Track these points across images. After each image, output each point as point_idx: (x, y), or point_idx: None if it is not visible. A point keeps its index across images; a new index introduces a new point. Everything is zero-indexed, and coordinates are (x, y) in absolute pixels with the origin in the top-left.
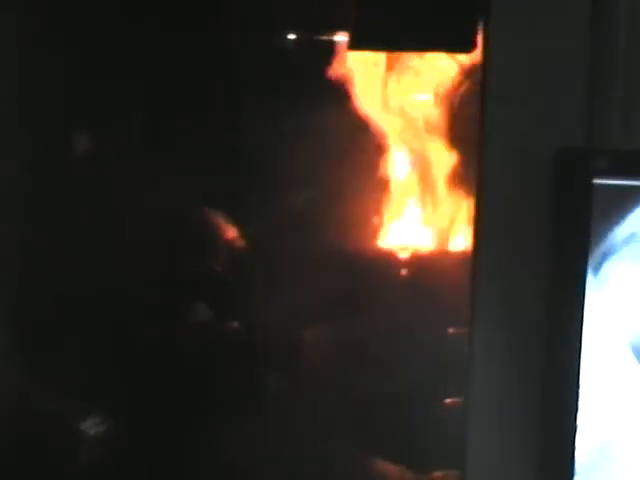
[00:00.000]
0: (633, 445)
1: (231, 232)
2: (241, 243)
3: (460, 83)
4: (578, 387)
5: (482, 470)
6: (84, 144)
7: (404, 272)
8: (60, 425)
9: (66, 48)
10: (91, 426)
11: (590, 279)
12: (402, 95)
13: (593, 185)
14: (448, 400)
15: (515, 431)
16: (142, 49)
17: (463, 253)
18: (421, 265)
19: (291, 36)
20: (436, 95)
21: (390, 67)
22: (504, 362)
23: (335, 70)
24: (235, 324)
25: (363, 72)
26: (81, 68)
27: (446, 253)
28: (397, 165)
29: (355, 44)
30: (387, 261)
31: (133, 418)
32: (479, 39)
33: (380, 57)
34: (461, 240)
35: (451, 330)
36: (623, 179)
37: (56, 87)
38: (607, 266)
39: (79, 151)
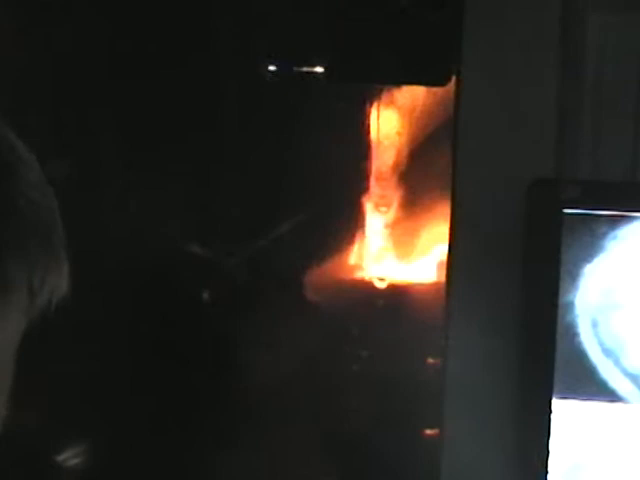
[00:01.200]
0: (603, 467)
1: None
2: (220, 267)
3: (433, 116)
4: (550, 412)
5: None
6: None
7: (380, 302)
8: (37, 456)
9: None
10: (69, 458)
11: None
12: (378, 128)
13: (564, 215)
14: (424, 430)
15: (490, 458)
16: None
17: (438, 284)
18: (397, 295)
19: (270, 67)
20: (409, 127)
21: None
22: (478, 391)
23: (314, 102)
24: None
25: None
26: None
27: (422, 284)
28: (372, 196)
29: (332, 76)
30: (363, 292)
31: (112, 449)
32: (452, 72)
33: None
34: (435, 271)
35: (428, 360)
36: (594, 209)
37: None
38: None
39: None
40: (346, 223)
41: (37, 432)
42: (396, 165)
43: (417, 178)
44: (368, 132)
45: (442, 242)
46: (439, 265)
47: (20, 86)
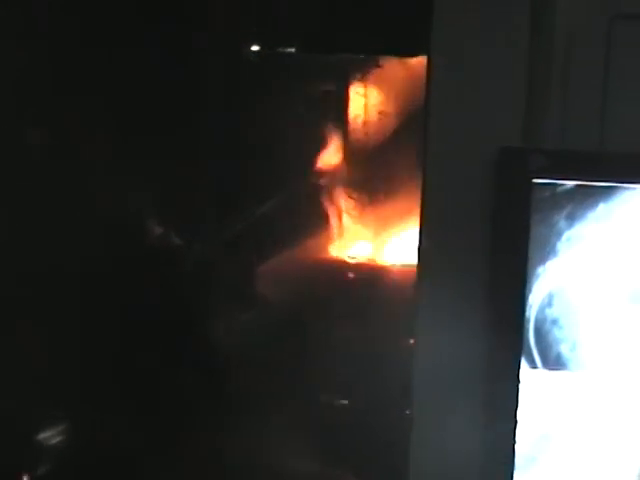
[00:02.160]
0: (571, 439)
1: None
2: (196, 251)
3: (403, 91)
4: (518, 383)
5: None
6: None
7: (351, 279)
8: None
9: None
10: (51, 436)
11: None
12: (347, 106)
13: (532, 184)
14: (394, 411)
15: (458, 428)
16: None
17: (408, 260)
18: (368, 270)
19: (254, 48)
20: (379, 102)
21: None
22: (447, 366)
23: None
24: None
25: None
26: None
27: (392, 262)
28: (343, 169)
29: (307, 49)
30: (333, 272)
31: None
32: (423, 43)
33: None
34: (405, 245)
35: (398, 340)
36: (561, 178)
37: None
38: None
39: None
40: (316, 201)
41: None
42: (367, 140)
43: (388, 154)
44: (341, 110)
45: (413, 217)
46: (409, 238)
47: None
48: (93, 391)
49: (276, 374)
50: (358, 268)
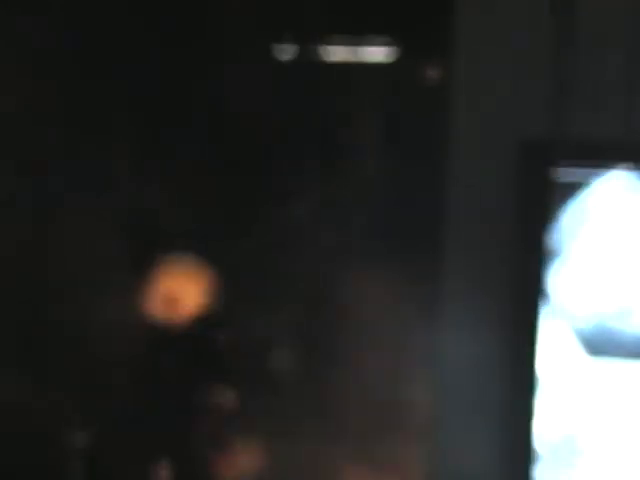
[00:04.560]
0: (593, 437)
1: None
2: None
3: (427, 83)
4: (534, 389)
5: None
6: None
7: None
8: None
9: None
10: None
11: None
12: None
13: (553, 174)
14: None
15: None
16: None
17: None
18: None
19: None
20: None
21: None
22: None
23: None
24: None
25: None
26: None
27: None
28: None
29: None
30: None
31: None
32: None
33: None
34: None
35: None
36: (583, 168)
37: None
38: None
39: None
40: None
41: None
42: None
43: (410, 143)
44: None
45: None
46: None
47: None
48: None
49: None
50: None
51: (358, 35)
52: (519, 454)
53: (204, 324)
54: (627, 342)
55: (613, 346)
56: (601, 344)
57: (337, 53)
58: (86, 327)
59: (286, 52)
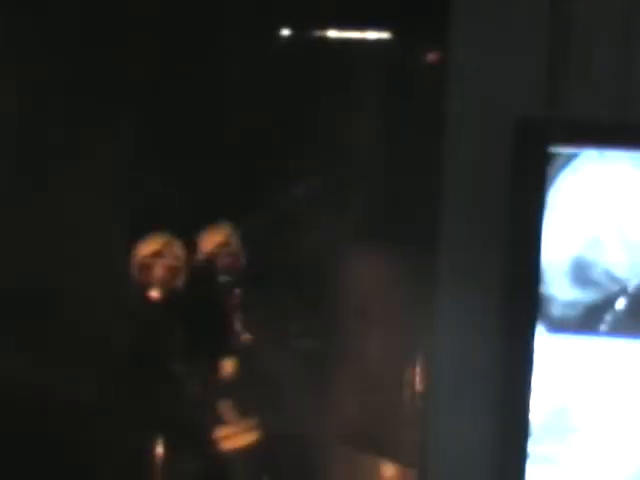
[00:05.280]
0: (588, 413)
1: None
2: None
3: (424, 59)
4: (532, 350)
5: (444, 437)
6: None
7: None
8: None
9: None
10: None
11: None
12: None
13: (549, 153)
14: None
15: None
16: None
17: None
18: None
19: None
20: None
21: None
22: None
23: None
24: None
25: None
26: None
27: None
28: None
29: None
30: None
31: None
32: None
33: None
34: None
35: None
36: (578, 147)
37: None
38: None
39: None
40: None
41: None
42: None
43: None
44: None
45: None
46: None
47: None
48: None
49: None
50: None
51: (357, 19)
52: (514, 430)
53: (202, 295)
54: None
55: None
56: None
57: (337, 36)
58: (86, 296)
59: (287, 35)
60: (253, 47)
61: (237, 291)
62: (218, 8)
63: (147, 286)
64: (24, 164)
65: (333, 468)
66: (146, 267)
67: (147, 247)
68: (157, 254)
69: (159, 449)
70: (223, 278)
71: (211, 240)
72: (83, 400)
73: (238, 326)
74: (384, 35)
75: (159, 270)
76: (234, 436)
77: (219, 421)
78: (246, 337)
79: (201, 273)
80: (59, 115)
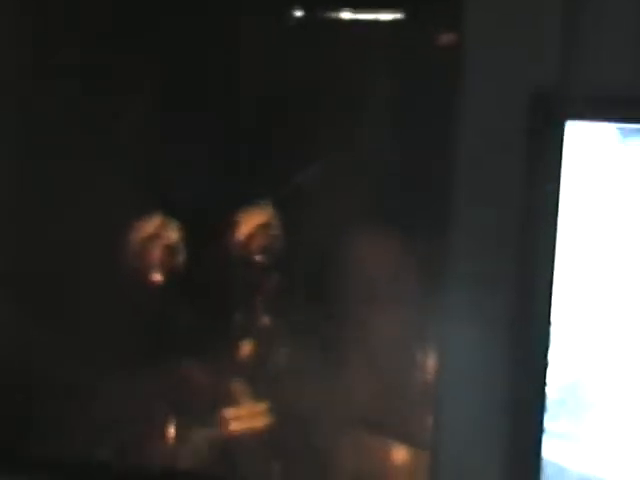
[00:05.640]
0: (603, 388)
1: None
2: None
3: (440, 39)
4: (549, 325)
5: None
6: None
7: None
8: None
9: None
10: None
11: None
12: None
13: (566, 127)
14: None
15: (488, 368)
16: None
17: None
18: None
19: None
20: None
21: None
22: (475, 305)
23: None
24: None
25: None
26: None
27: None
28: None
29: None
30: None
31: None
32: None
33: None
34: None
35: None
36: (595, 121)
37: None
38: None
39: None
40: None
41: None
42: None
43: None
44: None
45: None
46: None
47: None
48: None
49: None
50: None
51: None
52: (530, 405)
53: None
54: None
55: None
56: None
57: (351, 16)
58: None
59: (300, 15)
60: (266, 28)
61: (269, 273)
62: None
63: (146, 268)
64: (30, 149)
65: (344, 452)
66: (144, 249)
67: (142, 229)
68: (154, 236)
69: (171, 429)
70: (258, 259)
71: (250, 222)
72: (96, 382)
73: (259, 309)
74: (397, 15)
75: (157, 251)
76: (246, 418)
77: (232, 402)
78: (265, 320)
79: (235, 255)
80: (68, 96)
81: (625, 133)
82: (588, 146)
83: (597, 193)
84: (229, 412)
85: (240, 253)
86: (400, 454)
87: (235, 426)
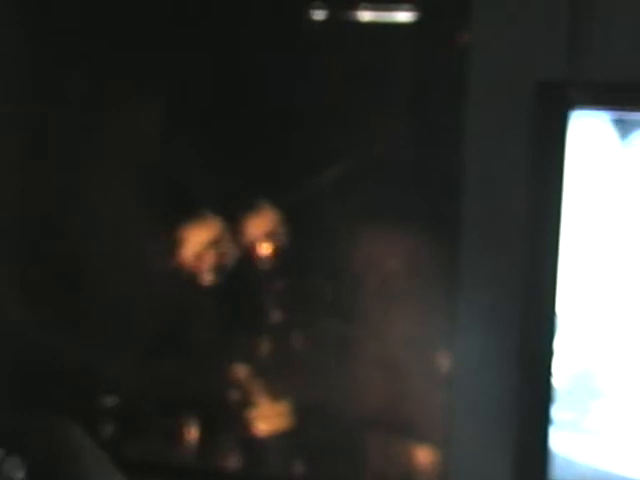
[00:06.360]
0: (612, 378)
1: None
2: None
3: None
4: (554, 312)
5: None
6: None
7: None
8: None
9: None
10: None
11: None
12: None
13: (570, 116)
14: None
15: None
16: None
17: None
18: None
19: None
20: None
21: None
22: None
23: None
24: None
25: None
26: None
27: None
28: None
29: None
30: None
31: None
32: None
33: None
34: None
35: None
36: (600, 110)
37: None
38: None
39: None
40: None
41: None
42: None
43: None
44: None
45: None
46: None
47: None
48: None
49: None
50: None
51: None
52: (538, 394)
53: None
54: None
55: None
56: None
57: (364, 16)
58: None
59: (317, 15)
60: (283, 29)
61: (277, 277)
62: None
63: (198, 272)
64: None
65: (364, 451)
66: (200, 255)
67: (201, 235)
68: (212, 242)
69: (194, 430)
70: (265, 264)
71: (258, 227)
72: (120, 378)
73: (270, 308)
74: (407, 15)
75: (213, 257)
76: (266, 418)
77: (252, 403)
78: (278, 319)
79: (243, 259)
80: (94, 96)
81: (627, 127)
82: (592, 139)
83: (601, 186)
84: (249, 412)
85: (249, 256)
86: (421, 454)
87: (255, 426)
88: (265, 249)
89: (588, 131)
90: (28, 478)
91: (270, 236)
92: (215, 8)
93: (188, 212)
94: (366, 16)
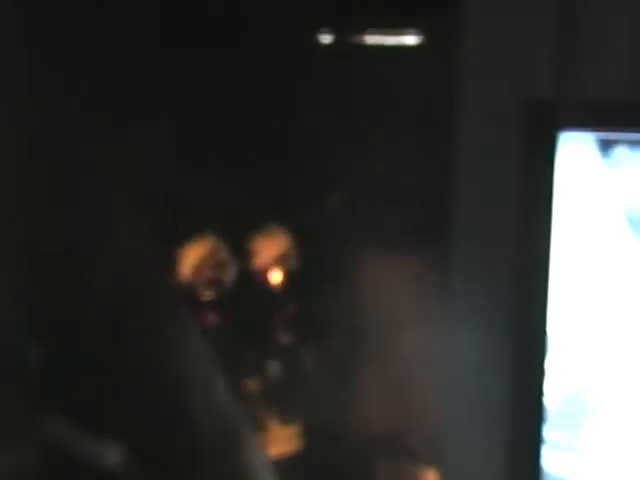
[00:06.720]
0: (604, 396)
1: None
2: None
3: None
4: (544, 332)
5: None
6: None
7: None
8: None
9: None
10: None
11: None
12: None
13: (559, 136)
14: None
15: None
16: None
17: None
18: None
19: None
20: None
21: None
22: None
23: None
24: None
25: None
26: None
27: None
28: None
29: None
30: None
31: None
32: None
33: None
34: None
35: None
36: (590, 130)
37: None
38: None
39: None
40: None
41: None
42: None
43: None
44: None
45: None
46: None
47: None
48: None
49: None
50: None
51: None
52: (529, 414)
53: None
54: None
55: None
56: None
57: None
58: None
59: (320, 39)
60: (289, 51)
61: (286, 301)
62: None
63: (197, 287)
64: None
65: (373, 476)
66: (197, 270)
67: (196, 252)
68: (206, 259)
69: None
70: (275, 288)
71: (268, 251)
72: None
73: (279, 330)
74: (411, 39)
75: (209, 272)
76: (277, 442)
77: (260, 427)
78: (286, 340)
79: (252, 283)
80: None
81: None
82: (580, 158)
83: (592, 201)
84: (258, 436)
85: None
86: (430, 476)
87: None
88: (276, 274)
89: (576, 150)
90: None
91: (281, 260)
92: (223, 37)
93: (194, 232)
94: (372, 40)
